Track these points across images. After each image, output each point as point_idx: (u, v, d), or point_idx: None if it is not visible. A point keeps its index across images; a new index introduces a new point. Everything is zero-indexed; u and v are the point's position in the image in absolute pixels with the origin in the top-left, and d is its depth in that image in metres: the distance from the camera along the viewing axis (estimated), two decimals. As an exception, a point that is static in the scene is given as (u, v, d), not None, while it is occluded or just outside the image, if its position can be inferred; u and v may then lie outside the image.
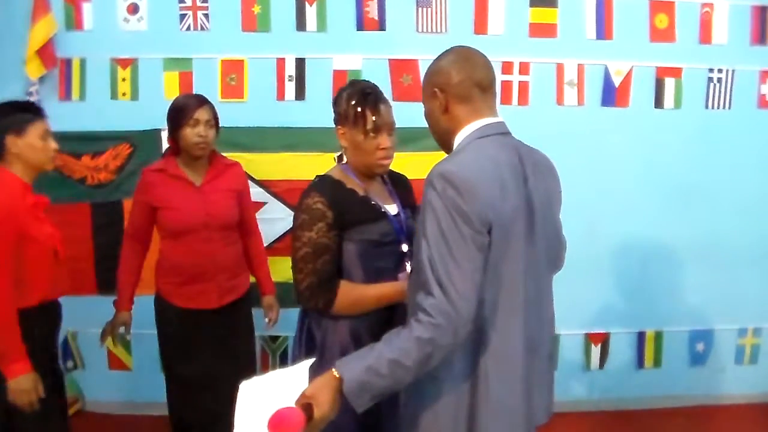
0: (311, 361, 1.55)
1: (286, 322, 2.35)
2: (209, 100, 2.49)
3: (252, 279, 2.71)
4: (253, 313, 2.68)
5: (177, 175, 2.45)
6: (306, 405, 1.36)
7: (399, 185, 2.03)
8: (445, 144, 1.56)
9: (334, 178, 1.87)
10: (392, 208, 1.91)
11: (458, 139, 1.50)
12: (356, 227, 1.81)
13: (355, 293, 1.80)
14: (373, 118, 1.81)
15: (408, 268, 1.87)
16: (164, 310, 2.49)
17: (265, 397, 1.42)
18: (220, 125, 2.53)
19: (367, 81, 1.95)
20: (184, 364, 2.48)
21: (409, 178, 2.13)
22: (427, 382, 1.45)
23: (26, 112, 2.14)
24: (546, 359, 1.59)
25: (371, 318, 1.82)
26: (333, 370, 1.38)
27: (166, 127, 2.46)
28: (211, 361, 2.49)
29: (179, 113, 2.40)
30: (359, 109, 1.81)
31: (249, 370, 2.64)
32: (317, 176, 1.91)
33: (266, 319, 2.73)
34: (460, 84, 1.48)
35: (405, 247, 1.87)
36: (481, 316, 1.39)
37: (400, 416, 1.59)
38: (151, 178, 2.45)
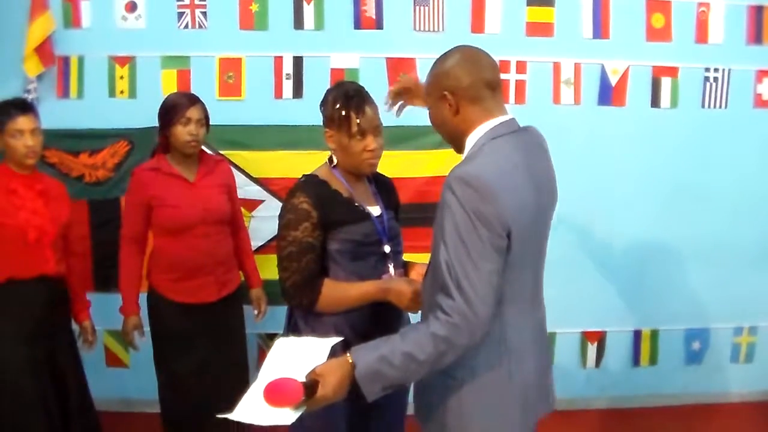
0: (338, 339, 1.59)
1: (282, 319, 2.35)
2: (201, 99, 2.51)
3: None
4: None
5: (171, 172, 2.47)
6: (313, 381, 1.38)
7: (383, 187, 2.05)
8: (457, 145, 1.56)
9: (320, 179, 1.89)
10: (375, 210, 1.94)
11: (471, 140, 1.49)
12: (340, 228, 1.84)
13: (338, 291, 1.83)
14: (358, 120, 1.82)
15: (391, 269, 1.91)
16: (160, 306, 2.51)
17: (290, 357, 1.48)
18: (214, 123, 2.56)
19: (353, 82, 1.96)
20: (180, 360, 2.50)
21: (404, 176, 2.15)
22: (448, 383, 1.47)
23: (12, 108, 2.30)
24: (547, 348, 1.63)
25: (354, 316, 1.85)
26: (347, 354, 1.41)
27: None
28: (206, 355, 2.51)
29: (171, 111, 2.42)
30: (344, 113, 1.82)
31: (241, 364, 2.70)
32: (303, 176, 1.93)
33: (255, 312, 2.77)
34: (470, 86, 1.47)
35: (387, 249, 1.91)
36: (501, 315, 1.41)
37: (416, 415, 1.61)
38: (145, 177, 2.47)
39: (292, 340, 1.61)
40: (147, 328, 2.59)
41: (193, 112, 2.43)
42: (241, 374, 2.65)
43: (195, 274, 2.47)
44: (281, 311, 2.02)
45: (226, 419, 1.36)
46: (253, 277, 2.78)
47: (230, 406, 2.60)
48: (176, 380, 2.53)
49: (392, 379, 1.38)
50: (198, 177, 2.52)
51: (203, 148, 2.60)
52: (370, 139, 1.84)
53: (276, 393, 1.37)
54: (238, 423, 1.38)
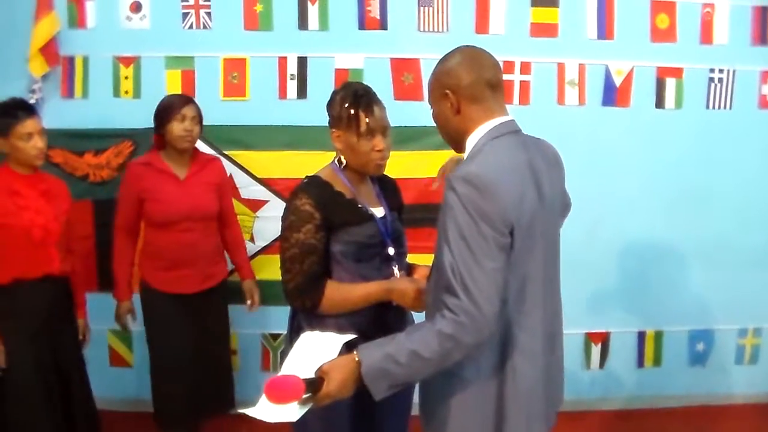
0: (351, 336, 1.59)
1: (286, 320, 2.36)
2: (194, 100, 2.63)
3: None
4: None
5: (162, 169, 2.58)
6: (317, 378, 1.39)
7: (387, 188, 2.05)
8: (457, 145, 1.56)
9: (323, 180, 1.88)
10: (379, 211, 1.93)
11: (472, 140, 1.49)
12: (343, 229, 1.83)
13: (341, 293, 1.82)
14: (367, 120, 1.81)
15: (395, 270, 1.90)
16: (148, 295, 2.64)
17: (309, 352, 1.50)
18: (218, 123, 2.64)
19: (360, 83, 1.95)
20: (165, 350, 2.62)
21: (409, 176, 2.14)
22: (453, 381, 1.47)
23: (19, 110, 2.31)
24: (560, 351, 1.62)
25: (359, 317, 1.84)
26: (354, 352, 1.41)
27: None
28: (189, 346, 2.61)
29: (167, 109, 2.54)
30: (352, 112, 1.81)
31: (222, 357, 2.80)
32: (306, 177, 1.91)
33: (248, 302, 2.86)
34: (471, 85, 1.48)
35: (391, 250, 1.90)
36: (506, 314, 1.41)
37: (421, 415, 1.60)
38: (138, 170, 2.59)
39: (317, 334, 1.63)
40: (139, 327, 2.68)
41: (188, 110, 2.55)
42: (222, 367, 2.76)
43: (178, 266, 2.59)
44: (285, 311, 2.02)
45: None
46: (244, 269, 2.87)
47: (212, 398, 2.68)
48: (162, 371, 2.64)
49: (398, 377, 1.38)
50: (188, 174, 2.62)
51: (197, 147, 2.69)
52: (379, 139, 1.84)
53: (275, 390, 1.38)
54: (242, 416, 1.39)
